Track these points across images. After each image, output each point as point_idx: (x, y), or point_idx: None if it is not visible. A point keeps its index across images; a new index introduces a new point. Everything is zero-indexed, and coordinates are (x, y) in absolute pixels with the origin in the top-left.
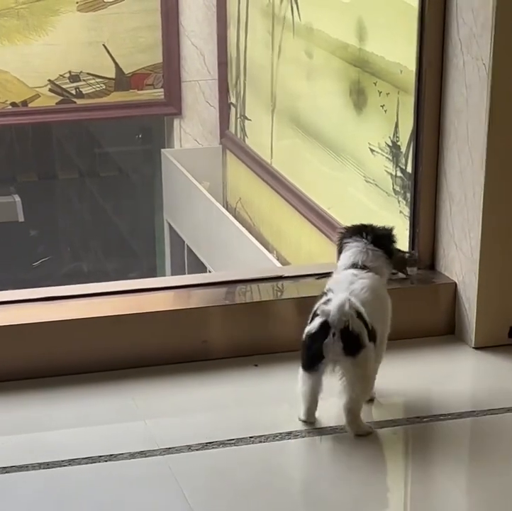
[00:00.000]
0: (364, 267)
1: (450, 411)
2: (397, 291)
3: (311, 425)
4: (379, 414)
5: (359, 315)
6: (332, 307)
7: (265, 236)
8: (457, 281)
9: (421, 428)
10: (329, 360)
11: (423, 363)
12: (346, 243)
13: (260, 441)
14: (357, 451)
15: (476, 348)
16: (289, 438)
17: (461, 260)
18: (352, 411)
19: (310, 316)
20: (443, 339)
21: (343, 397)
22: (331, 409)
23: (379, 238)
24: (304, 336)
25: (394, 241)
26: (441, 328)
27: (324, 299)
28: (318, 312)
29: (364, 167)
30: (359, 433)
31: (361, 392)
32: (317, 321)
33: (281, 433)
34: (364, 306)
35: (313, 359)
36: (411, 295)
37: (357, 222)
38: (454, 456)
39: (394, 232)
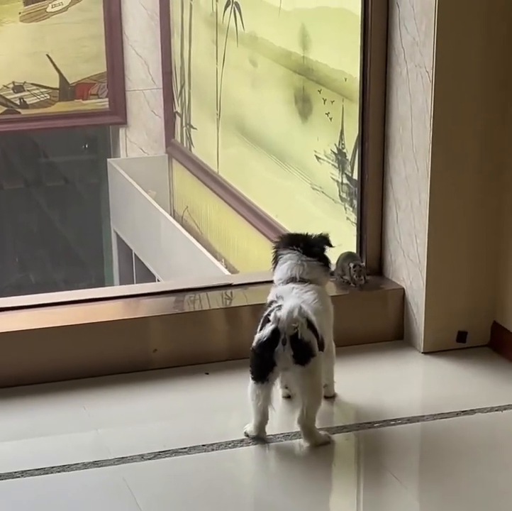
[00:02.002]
0: (302, 280)
1: (400, 416)
2: (346, 297)
3: (261, 440)
4: (331, 420)
5: (309, 324)
6: (282, 313)
7: (213, 244)
8: (404, 287)
9: (372, 433)
10: (279, 369)
11: (373, 369)
12: (280, 255)
13: (212, 449)
14: (309, 457)
15: (424, 352)
16: (241, 446)
17: (408, 266)
18: (306, 425)
19: (260, 323)
20: (392, 344)
21: (296, 411)
22: (282, 415)
23: (312, 247)
24: (254, 344)
25: (329, 246)
26: (390, 334)
27: (274, 305)
28: (270, 318)
29: (311, 175)
30: (317, 444)
31: (312, 402)
32: (268, 329)
33: (233, 441)
34: (315, 314)
35: (263, 368)
36: (360, 301)
37: (304, 229)
38: (405, 460)
39: (329, 238)
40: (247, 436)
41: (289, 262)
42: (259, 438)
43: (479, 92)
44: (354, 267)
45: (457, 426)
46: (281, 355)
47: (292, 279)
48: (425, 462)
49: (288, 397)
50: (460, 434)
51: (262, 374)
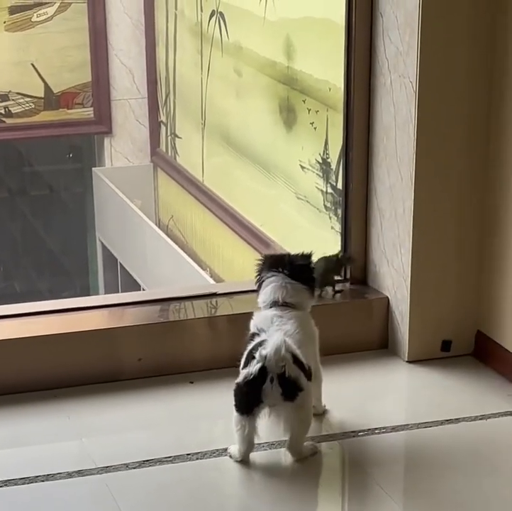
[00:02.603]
0: (285, 305)
1: (385, 424)
2: (330, 306)
3: (245, 464)
4: (315, 429)
5: (295, 359)
6: (268, 351)
7: (198, 253)
8: (389, 296)
9: (357, 442)
10: (266, 405)
11: (358, 378)
12: (264, 277)
13: (197, 458)
14: (294, 466)
15: (409, 361)
16: (226, 455)
17: (392, 275)
18: (296, 452)
19: (244, 358)
20: (377, 353)
21: (286, 437)
22: (271, 424)
23: (296, 269)
24: (240, 380)
25: (312, 269)
26: (375, 343)
27: (258, 339)
28: (255, 355)
29: (295, 184)
30: (305, 457)
31: (302, 432)
32: (255, 367)
33: (217, 450)
34: (299, 346)
35: (250, 403)
36: (344, 310)
37: (289, 238)
38: (389, 469)
39: (312, 259)
40: (230, 457)
41: (273, 284)
42: (243, 462)
43: (462, 102)
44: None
45: (441, 434)
46: (269, 393)
47: (275, 303)
48: (410, 471)
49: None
50: (445, 443)
51: (248, 409)
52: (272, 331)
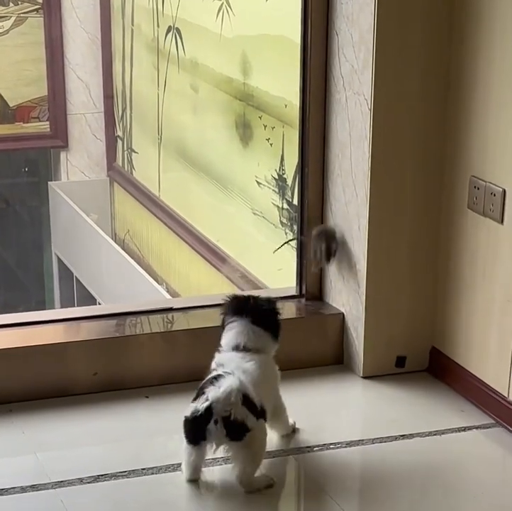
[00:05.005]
0: (247, 349)
1: (340, 440)
2: (286, 322)
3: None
4: (270, 444)
5: (246, 399)
6: (219, 394)
7: (155, 268)
8: (344, 312)
9: (312, 457)
10: (212, 442)
11: (313, 393)
12: (228, 321)
13: (152, 473)
14: None
15: (364, 377)
16: (181, 470)
17: (348, 291)
18: (245, 483)
19: (197, 391)
20: (332, 369)
21: (234, 470)
22: None
23: (260, 316)
24: (189, 414)
25: (277, 314)
26: (330, 358)
27: (214, 373)
28: (205, 392)
29: (252, 200)
30: (258, 490)
31: (250, 469)
32: (201, 405)
33: (173, 465)
34: (256, 387)
35: (196, 437)
36: (300, 326)
37: (245, 254)
38: (344, 484)
39: (277, 305)
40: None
41: (235, 330)
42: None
43: (417, 119)
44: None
45: (396, 450)
46: (214, 433)
47: (237, 348)
48: (365, 486)
49: None
50: (399, 458)
51: (194, 442)
52: (231, 368)
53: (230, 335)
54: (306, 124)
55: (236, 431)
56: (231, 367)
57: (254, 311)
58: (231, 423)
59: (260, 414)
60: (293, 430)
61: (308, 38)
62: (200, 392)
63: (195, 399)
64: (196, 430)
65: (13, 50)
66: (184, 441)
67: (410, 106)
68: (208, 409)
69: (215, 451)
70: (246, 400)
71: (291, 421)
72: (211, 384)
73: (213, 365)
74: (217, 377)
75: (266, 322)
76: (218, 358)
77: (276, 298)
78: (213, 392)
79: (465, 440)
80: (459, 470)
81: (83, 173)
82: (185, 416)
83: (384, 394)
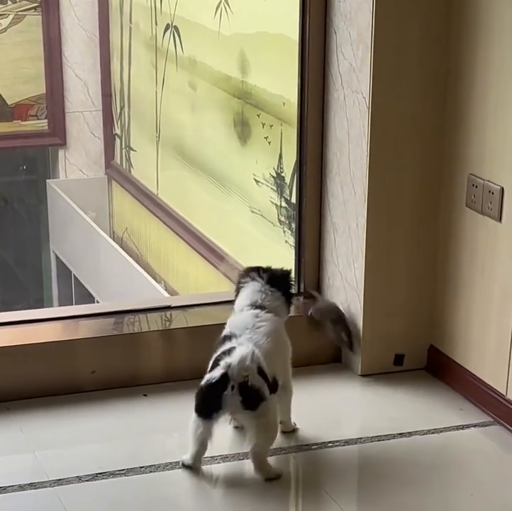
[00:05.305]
0: (262, 308)
1: (338, 438)
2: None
3: (196, 471)
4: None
5: (260, 370)
6: (233, 360)
7: (153, 266)
8: (342, 310)
9: (310, 455)
10: (226, 412)
11: (311, 391)
12: (243, 282)
13: (150, 471)
14: (248, 479)
15: (362, 375)
16: (179, 468)
17: (346, 289)
18: (258, 455)
19: (211, 362)
20: (330, 367)
21: (249, 444)
22: (222, 437)
23: (276, 278)
24: (203, 383)
25: (291, 283)
26: (328, 357)
27: (227, 346)
28: (220, 362)
29: (250, 198)
30: (268, 478)
31: (265, 439)
32: (217, 372)
33: (171, 463)
34: (267, 357)
35: (209, 409)
36: (298, 324)
37: (243, 252)
38: (343, 483)
39: (291, 275)
40: (183, 465)
41: (251, 288)
42: (194, 468)
43: (415, 117)
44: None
45: (394, 448)
46: (230, 400)
47: (252, 305)
48: (363, 484)
49: (237, 427)
50: (398, 457)
51: (207, 413)
52: (243, 339)
53: (245, 293)
54: (304, 122)
55: (251, 399)
56: (244, 338)
57: (270, 274)
58: (247, 389)
59: (273, 387)
60: (293, 429)
61: (306, 36)
62: (215, 364)
63: (210, 371)
64: (211, 399)
65: (11, 48)
66: (193, 417)
67: (408, 105)
68: (224, 376)
69: (231, 421)
70: (260, 371)
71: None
72: (225, 355)
73: (226, 331)
74: (230, 350)
75: (281, 285)
76: (230, 322)
77: (290, 270)
78: (228, 361)
79: (463, 438)
80: (457, 468)
81: (81, 171)
82: (199, 386)
83: (382, 393)
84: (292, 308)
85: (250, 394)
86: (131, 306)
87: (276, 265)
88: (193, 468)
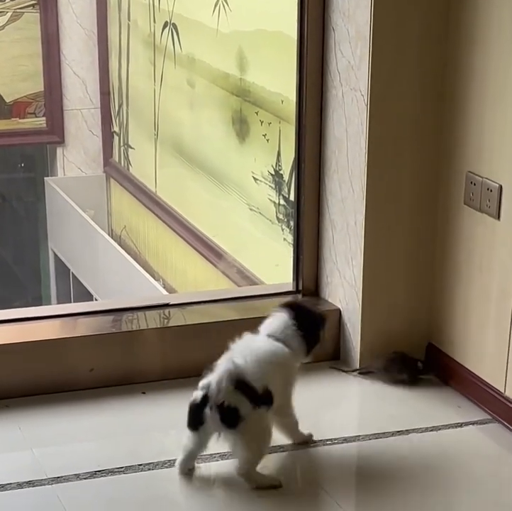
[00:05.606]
0: (278, 340)
1: (336, 436)
2: None
3: (185, 475)
4: None
5: (241, 385)
6: (211, 380)
7: (151, 264)
8: (340, 307)
9: (308, 453)
10: (210, 429)
11: (309, 388)
12: (275, 311)
13: (149, 469)
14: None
15: (360, 373)
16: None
17: (344, 287)
18: (244, 476)
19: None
20: (329, 364)
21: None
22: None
23: (303, 317)
24: (190, 401)
25: (319, 328)
26: (326, 354)
27: (221, 359)
28: (205, 378)
29: (248, 196)
30: (261, 487)
31: (247, 459)
32: (197, 393)
33: (169, 461)
34: (261, 367)
35: (195, 424)
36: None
37: (242, 250)
38: (341, 480)
39: (325, 322)
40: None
41: (276, 319)
42: (180, 472)
43: (413, 115)
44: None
45: (392, 446)
46: (210, 418)
47: (270, 336)
48: (361, 482)
49: None
50: (396, 454)
51: (194, 427)
52: (240, 348)
53: (268, 322)
54: (303, 120)
55: (229, 418)
56: (240, 347)
57: (299, 311)
58: (224, 409)
59: (261, 399)
60: (307, 441)
61: (304, 34)
62: (203, 377)
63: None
64: (195, 416)
65: (9, 46)
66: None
67: (406, 102)
68: (205, 396)
69: (214, 438)
70: (242, 385)
71: (305, 432)
72: (211, 370)
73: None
74: (218, 363)
75: (307, 327)
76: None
77: (326, 316)
78: (205, 382)
79: (462, 436)
80: (455, 465)
81: (79, 169)
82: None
83: (380, 390)
84: (311, 354)
85: (228, 414)
86: (129, 304)
87: (273, 263)
88: (179, 472)
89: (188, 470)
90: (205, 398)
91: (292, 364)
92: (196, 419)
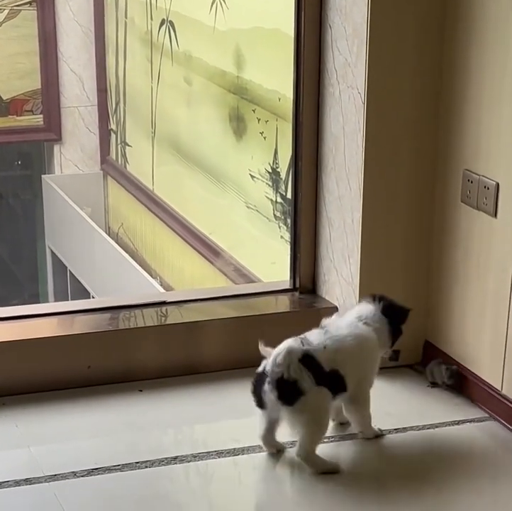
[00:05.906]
0: (366, 324)
1: (333, 434)
2: (280, 315)
3: (272, 453)
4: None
5: (306, 359)
6: (272, 355)
7: (148, 262)
8: (338, 305)
9: None
10: (271, 407)
11: None
12: (361, 301)
13: (146, 466)
14: (247, 475)
15: None
16: (175, 463)
17: (341, 284)
18: (304, 459)
19: None
20: None
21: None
22: (221, 432)
23: (391, 309)
24: (253, 377)
25: (403, 320)
26: None
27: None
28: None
29: (245, 193)
30: (321, 472)
31: (305, 438)
32: (259, 368)
33: (166, 458)
34: (336, 350)
35: (257, 401)
36: (294, 319)
37: (239, 247)
38: (340, 479)
39: (407, 314)
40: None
41: (364, 306)
42: (266, 448)
43: (410, 113)
44: (446, 369)
45: (389, 444)
46: (268, 395)
47: (358, 318)
48: (357, 480)
49: (342, 423)
50: (393, 452)
51: (258, 404)
52: (325, 323)
53: (357, 308)
54: (300, 117)
55: (287, 394)
56: (328, 325)
57: (387, 304)
58: (282, 384)
59: (326, 379)
60: (377, 435)
61: (301, 31)
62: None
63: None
64: (255, 393)
65: (6, 43)
66: None
67: (403, 100)
68: (262, 373)
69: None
70: (307, 359)
71: (375, 427)
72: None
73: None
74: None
75: (393, 317)
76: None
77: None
78: (270, 354)
79: (459, 433)
80: (452, 463)
81: (76, 166)
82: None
83: (377, 388)
84: (393, 344)
85: (286, 389)
86: (127, 301)
87: (270, 261)
88: (265, 447)
89: (277, 451)
90: (262, 375)
91: (377, 351)
92: (258, 397)
